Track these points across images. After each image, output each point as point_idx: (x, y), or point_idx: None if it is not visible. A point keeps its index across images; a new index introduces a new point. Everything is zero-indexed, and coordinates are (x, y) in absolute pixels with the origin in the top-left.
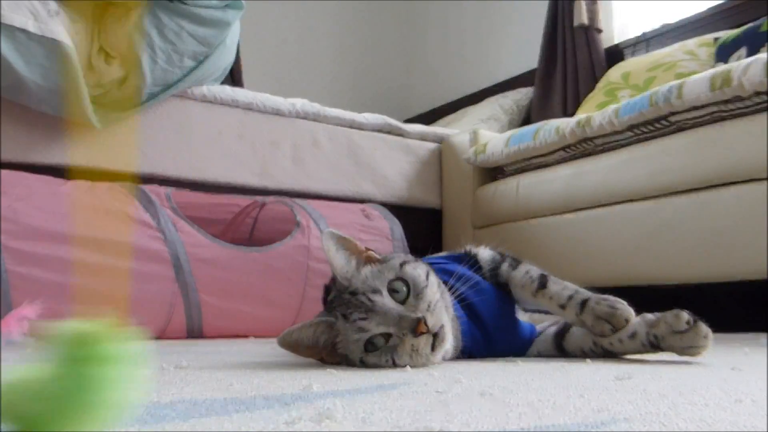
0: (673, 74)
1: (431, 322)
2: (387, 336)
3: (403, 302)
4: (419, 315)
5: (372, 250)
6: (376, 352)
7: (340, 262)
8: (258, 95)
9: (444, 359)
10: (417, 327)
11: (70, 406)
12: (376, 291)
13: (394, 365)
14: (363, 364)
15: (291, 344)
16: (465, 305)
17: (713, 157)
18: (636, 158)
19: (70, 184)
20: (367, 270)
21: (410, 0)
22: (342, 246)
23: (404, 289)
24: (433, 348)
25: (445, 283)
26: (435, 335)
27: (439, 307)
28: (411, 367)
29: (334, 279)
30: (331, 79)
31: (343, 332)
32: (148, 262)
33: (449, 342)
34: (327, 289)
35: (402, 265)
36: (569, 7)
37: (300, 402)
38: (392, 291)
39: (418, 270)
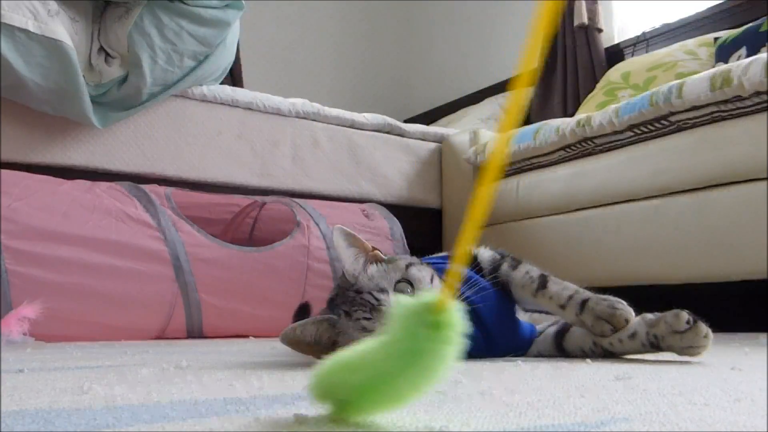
0: (673, 74)
1: None
2: None
3: None
4: None
5: (378, 250)
6: None
7: (350, 259)
8: (258, 95)
9: None
10: None
11: (401, 370)
12: (382, 290)
13: None
14: None
15: (293, 341)
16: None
17: (713, 157)
18: (636, 158)
19: (69, 184)
20: (373, 269)
21: (410, 0)
22: (351, 243)
23: (409, 290)
24: None
25: None
26: None
27: None
28: None
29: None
30: (331, 79)
31: (345, 330)
32: (148, 262)
33: None
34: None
35: (408, 266)
36: (569, 7)
37: (300, 402)
38: (397, 291)
39: (423, 272)
